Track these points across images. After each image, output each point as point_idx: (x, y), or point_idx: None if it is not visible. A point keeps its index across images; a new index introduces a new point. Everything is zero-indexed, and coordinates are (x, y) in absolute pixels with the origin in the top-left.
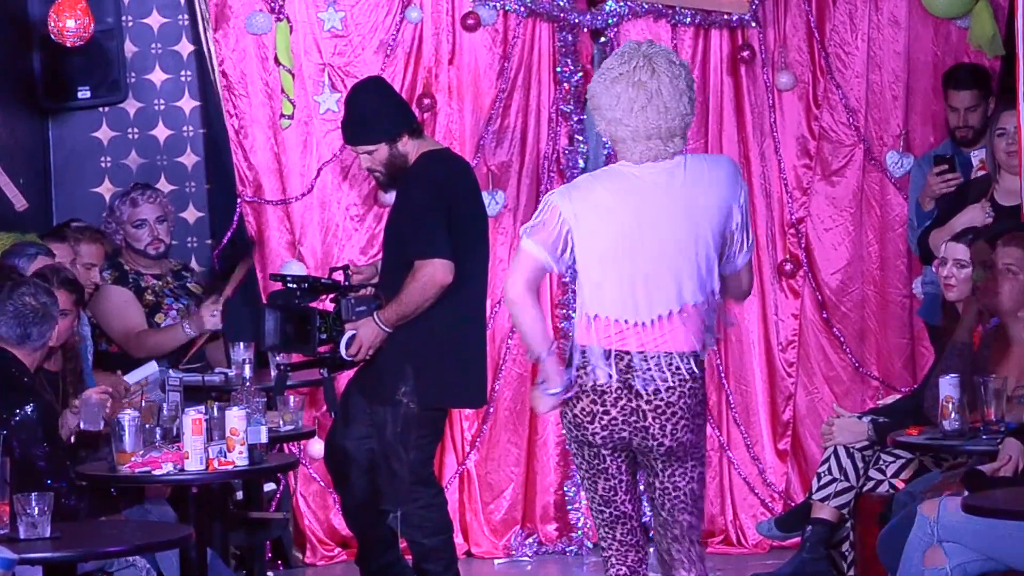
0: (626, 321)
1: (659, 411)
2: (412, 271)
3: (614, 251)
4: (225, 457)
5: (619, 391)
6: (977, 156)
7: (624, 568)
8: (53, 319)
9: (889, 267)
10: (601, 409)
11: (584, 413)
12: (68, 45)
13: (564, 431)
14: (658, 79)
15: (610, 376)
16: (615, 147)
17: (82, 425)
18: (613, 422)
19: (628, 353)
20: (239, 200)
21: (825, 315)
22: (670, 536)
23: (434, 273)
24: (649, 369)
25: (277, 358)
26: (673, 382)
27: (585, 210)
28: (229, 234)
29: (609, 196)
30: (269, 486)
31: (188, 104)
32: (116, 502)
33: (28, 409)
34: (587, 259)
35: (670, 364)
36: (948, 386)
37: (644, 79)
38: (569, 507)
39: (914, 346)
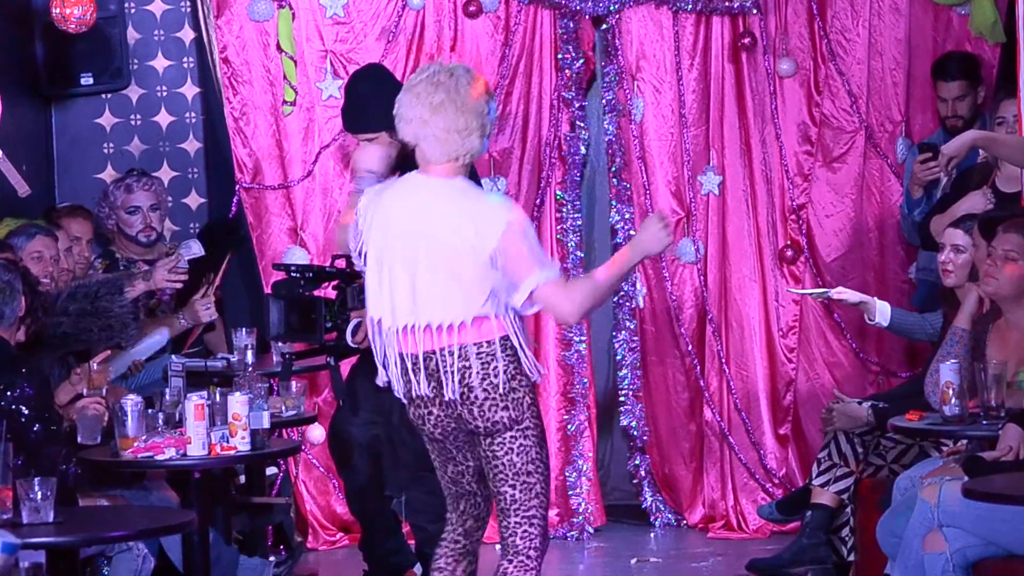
0: (411, 327)
1: (464, 398)
2: None
3: (386, 258)
4: (227, 442)
5: (432, 390)
6: None
7: (461, 528)
8: (18, 293)
9: (889, 253)
10: (426, 411)
11: (417, 418)
12: (71, 32)
13: None
14: (456, 80)
15: (417, 383)
16: (417, 148)
17: (79, 439)
18: (439, 419)
19: (432, 353)
20: (237, 187)
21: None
22: (498, 510)
23: None
24: (445, 362)
25: (282, 347)
26: (475, 366)
27: (375, 214)
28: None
29: (392, 205)
30: (270, 471)
31: (190, 91)
32: (119, 472)
33: (22, 382)
34: (368, 264)
35: (464, 354)
36: (948, 372)
37: (442, 80)
38: (570, 492)
39: None
